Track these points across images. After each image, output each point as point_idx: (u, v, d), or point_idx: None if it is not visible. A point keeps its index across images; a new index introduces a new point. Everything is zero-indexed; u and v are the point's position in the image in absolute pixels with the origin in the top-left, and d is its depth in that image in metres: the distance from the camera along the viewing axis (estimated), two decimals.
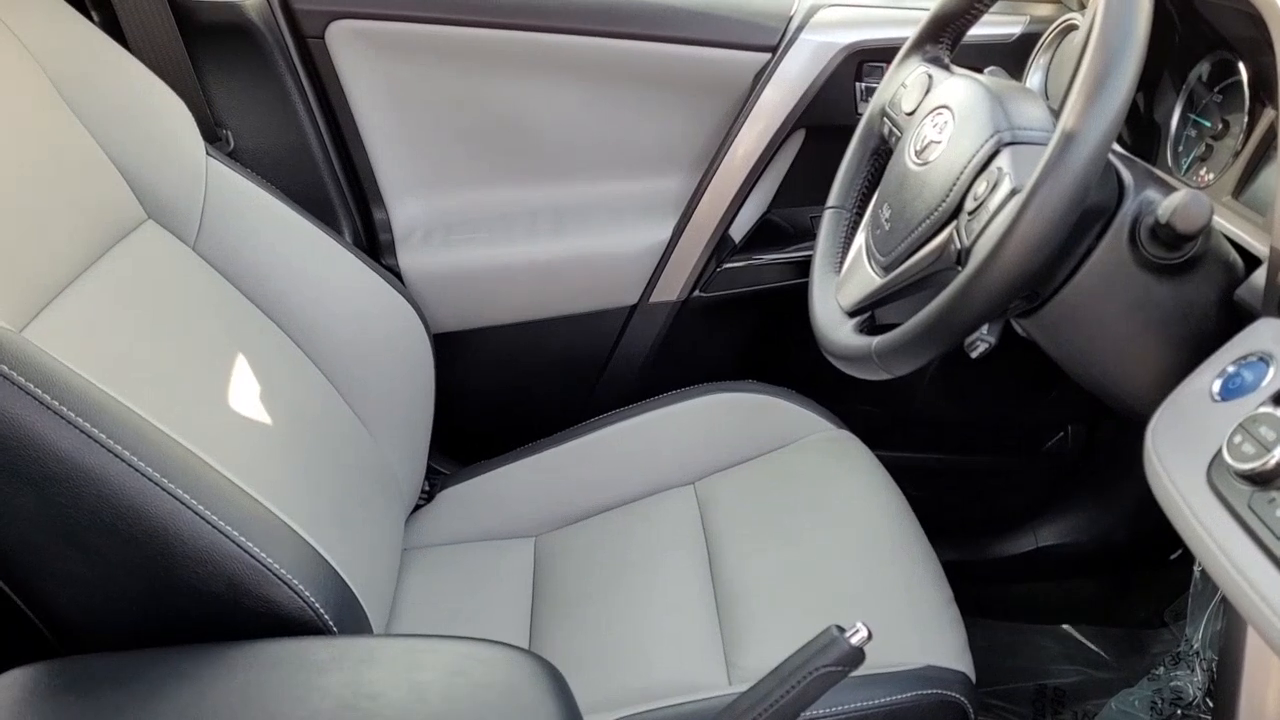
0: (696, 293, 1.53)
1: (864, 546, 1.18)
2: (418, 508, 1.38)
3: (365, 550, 1.09)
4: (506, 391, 1.58)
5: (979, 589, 1.53)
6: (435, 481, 1.42)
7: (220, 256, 1.16)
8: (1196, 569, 1.51)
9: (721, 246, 1.52)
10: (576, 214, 1.52)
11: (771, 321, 1.62)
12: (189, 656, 0.78)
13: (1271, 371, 0.79)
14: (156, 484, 0.77)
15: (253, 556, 0.80)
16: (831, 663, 0.82)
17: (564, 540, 1.31)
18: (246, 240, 1.18)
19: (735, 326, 1.61)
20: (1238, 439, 0.73)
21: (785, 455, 1.36)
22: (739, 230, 1.54)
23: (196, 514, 0.78)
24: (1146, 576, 1.71)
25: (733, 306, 1.57)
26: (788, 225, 1.60)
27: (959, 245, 0.92)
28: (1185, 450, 0.79)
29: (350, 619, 0.84)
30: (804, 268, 1.50)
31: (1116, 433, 1.65)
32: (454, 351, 1.50)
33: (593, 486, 1.37)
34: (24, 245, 0.91)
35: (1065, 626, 1.73)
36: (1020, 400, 1.67)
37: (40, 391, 0.75)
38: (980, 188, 0.92)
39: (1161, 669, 1.61)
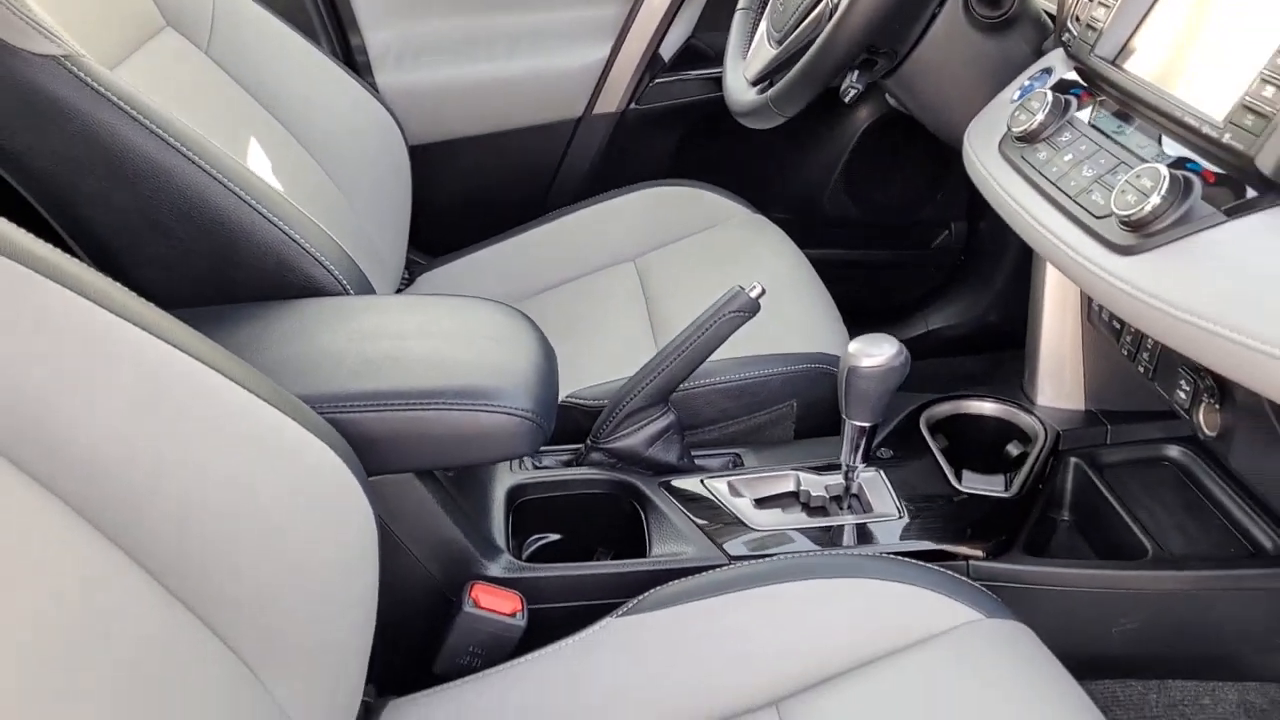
0: (632, 105, 1.79)
1: (772, 288, 1.46)
2: (399, 291, 1.56)
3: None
4: (473, 194, 1.82)
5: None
6: (413, 270, 1.66)
7: (230, 61, 1.38)
8: None
9: (653, 64, 1.77)
10: (528, 37, 1.76)
11: (699, 131, 1.88)
12: (254, 307, 1.04)
13: (1051, 77, 1.07)
14: (220, 182, 1.02)
15: (296, 242, 1.05)
16: (736, 310, 1.10)
17: (527, 308, 1.45)
18: (251, 48, 1.38)
19: (668, 135, 1.87)
20: (1018, 113, 1.01)
21: (711, 234, 1.63)
22: (668, 50, 1.79)
23: (252, 207, 1.04)
24: (1017, 352, 2.03)
25: (665, 118, 1.83)
26: (709, 49, 1.86)
27: (830, 6, 1.19)
28: (987, 136, 1.07)
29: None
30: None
31: (991, 229, 1.95)
32: (428, 160, 1.74)
33: (550, 265, 1.62)
34: None
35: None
36: (912, 201, 1.96)
37: (127, 106, 0.98)
38: None
39: None
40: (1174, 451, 1.14)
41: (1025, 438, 1.19)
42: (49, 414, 0.61)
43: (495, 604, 0.95)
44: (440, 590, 0.98)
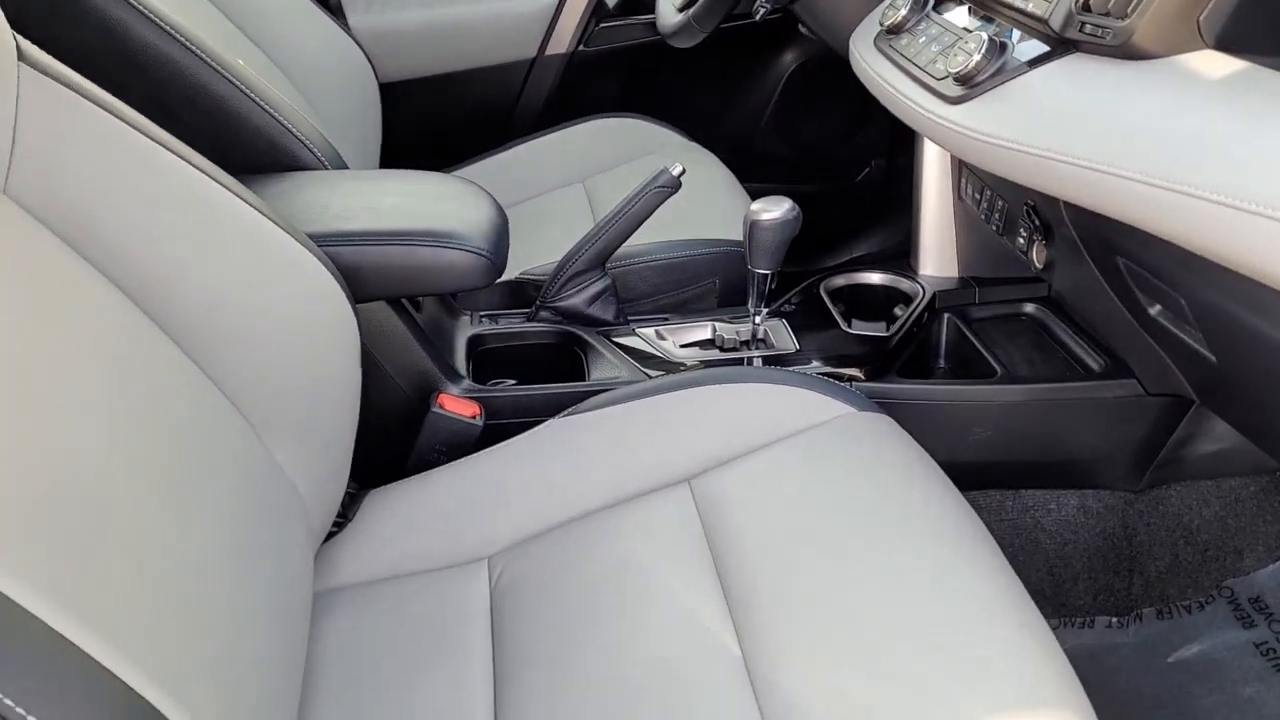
0: (580, 48, 1.99)
1: (701, 191, 1.63)
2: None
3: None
4: (438, 127, 2.01)
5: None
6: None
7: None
8: None
9: (599, 10, 1.98)
10: None
11: (644, 71, 2.08)
12: (248, 178, 1.22)
13: None
14: (219, 73, 1.21)
15: (284, 125, 1.24)
16: (661, 185, 1.30)
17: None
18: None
19: (615, 75, 2.07)
20: (886, 10, 1.21)
21: (651, 159, 1.82)
22: None
23: (246, 95, 1.22)
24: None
25: (611, 59, 2.04)
26: None
27: None
28: (866, 35, 1.28)
29: None
30: None
31: (908, 164, 2.17)
32: (396, 96, 1.93)
33: (507, 187, 1.74)
34: None
35: None
36: (836, 140, 2.17)
37: (137, 4, 1.17)
38: None
39: None
40: (1030, 308, 1.35)
41: (909, 300, 1.40)
42: (111, 218, 0.81)
43: (457, 408, 1.14)
44: (411, 404, 1.17)
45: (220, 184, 0.89)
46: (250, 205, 0.91)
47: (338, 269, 1.02)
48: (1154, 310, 1.00)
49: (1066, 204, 1.03)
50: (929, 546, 0.91)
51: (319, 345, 0.97)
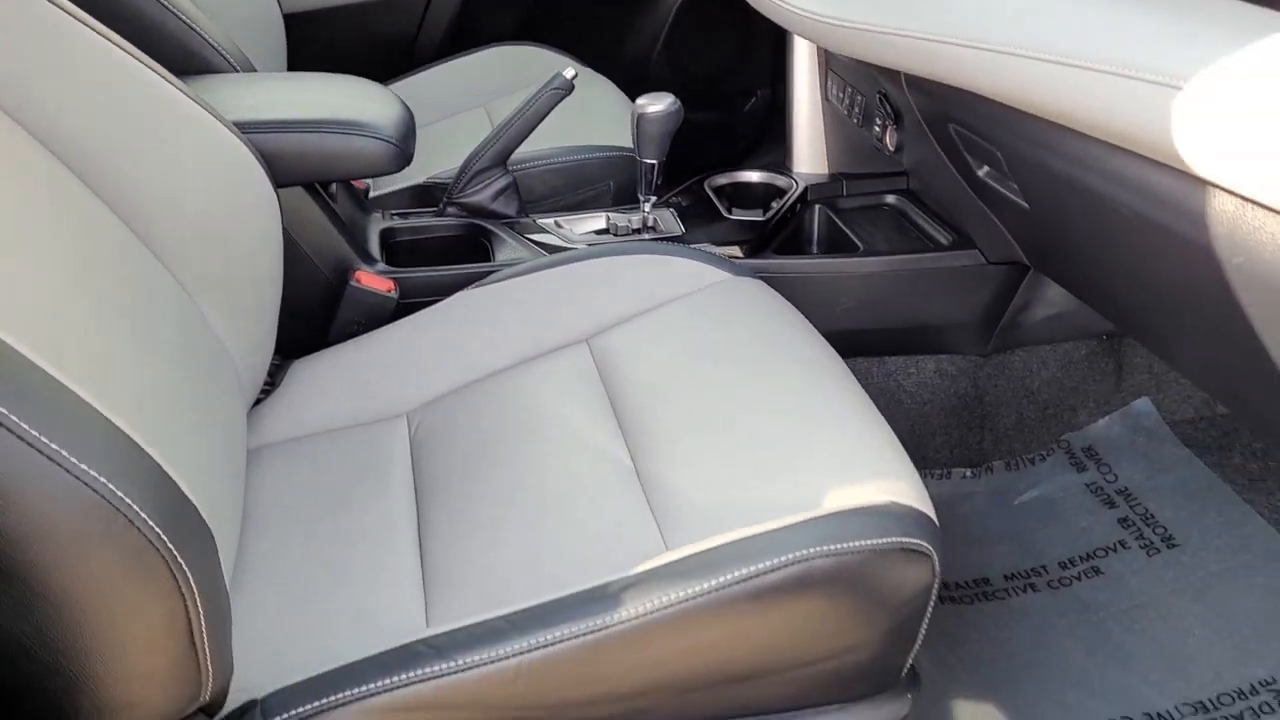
0: None
1: (594, 107, 1.74)
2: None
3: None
4: (344, 57, 2.08)
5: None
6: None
7: None
8: None
9: None
10: None
11: (542, 5, 2.19)
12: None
13: None
14: None
15: (199, 34, 1.32)
16: (555, 88, 1.41)
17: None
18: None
19: (515, 5, 2.17)
20: None
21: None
22: None
23: (164, 6, 1.30)
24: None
25: None
26: None
27: None
28: None
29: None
30: None
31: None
32: (302, 27, 2.00)
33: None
34: None
35: None
36: (725, 69, 2.31)
37: None
38: None
39: None
40: (891, 199, 1.51)
41: (784, 194, 1.54)
42: (50, 96, 0.90)
43: (373, 283, 1.25)
44: (330, 283, 1.27)
45: (152, 70, 0.99)
46: (180, 90, 1.01)
47: (259, 152, 1.12)
48: (982, 172, 1.16)
49: (909, 82, 1.18)
50: (797, 377, 1.06)
51: (243, 219, 1.07)
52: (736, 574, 0.80)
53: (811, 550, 0.81)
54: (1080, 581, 1.36)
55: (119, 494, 0.62)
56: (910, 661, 0.92)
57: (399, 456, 1.09)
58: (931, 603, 0.88)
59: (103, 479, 0.61)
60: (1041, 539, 1.43)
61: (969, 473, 1.52)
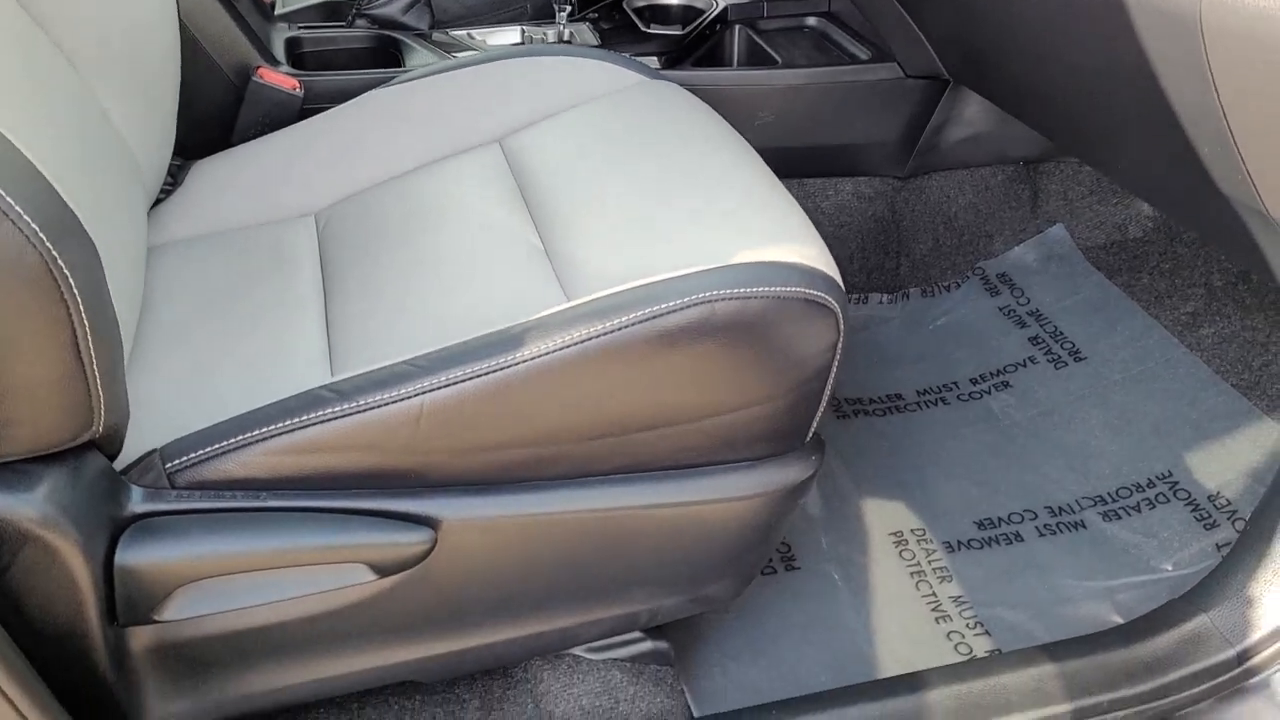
0: None
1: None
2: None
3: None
4: None
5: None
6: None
7: None
8: None
9: None
10: None
11: None
12: None
13: None
14: None
15: None
16: None
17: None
18: None
19: None
20: None
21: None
22: None
23: None
24: None
25: None
26: None
27: None
28: None
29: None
30: None
31: None
32: None
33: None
34: None
35: None
36: None
37: None
38: None
39: None
40: (812, 21, 1.49)
41: (703, 14, 1.52)
42: None
43: (278, 80, 1.21)
44: (231, 84, 1.23)
45: None
46: None
47: None
48: None
49: None
50: (713, 161, 1.05)
51: (138, 5, 1.03)
52: (638, 314, 0.80)
53: (715, 293, 0.80)
54: (990, 395, 1.40)
55: None
56: (815, 426, 0.93)
57: (306, 249, 1.07)
58: (836, 363, 0.89)
59: None
60: (954, 358, 1.45)
61: (885, 298, 1.54)
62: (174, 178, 1.15)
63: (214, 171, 1.16)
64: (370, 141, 1.17)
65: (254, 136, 1.18)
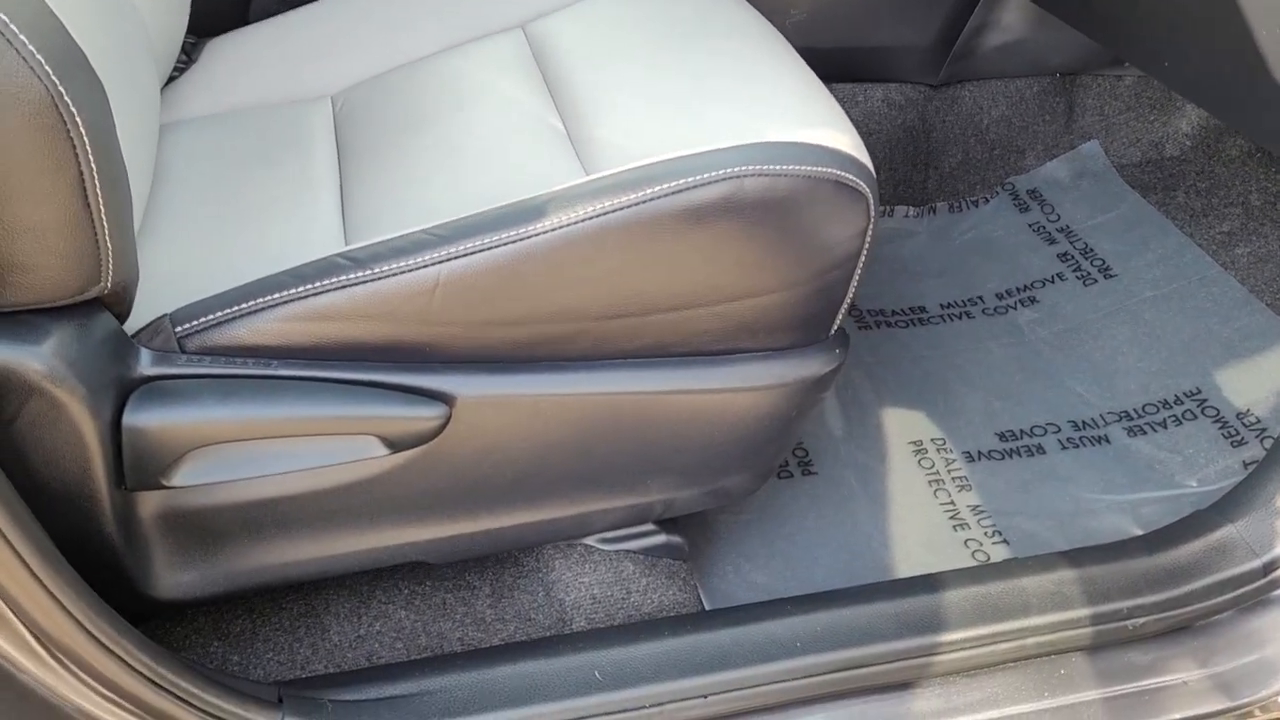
0: None
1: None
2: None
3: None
4: None
5: None
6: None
7: None
8: None
9: None
10: None
11: None
12: None
13: None
14: None
15: None
16: None
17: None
18: None
19: None
20: None
21: None
22: None
23: None
24: None
25: None
26: None
27: None
28: None
29: None
30: None
31: None
32: None
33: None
34: None
35: None
36: None
37: None
38: None
39: None
40: None
41: None
42: None
43: None
44: None
45: None
46: None
47: None
48: None
49: None
50: (743, 46, 1.01)
51: None
52: (663, 187, 0.77)
53: (744, 169, 0.78)
54: (1015, 310, 1.37)
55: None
56: (839, 320, 0.91)
57: (322, 129, 1.04)
58: (865, 251, 0.86)
59: None
60: (980, 273, 1.42)
61: (911, 211, 1.50)
62: (189, 55, 1.12)
63: (230, 50, 1.13)
64: (390, 24, 1.13)
65: (272, 14, 1.15)
